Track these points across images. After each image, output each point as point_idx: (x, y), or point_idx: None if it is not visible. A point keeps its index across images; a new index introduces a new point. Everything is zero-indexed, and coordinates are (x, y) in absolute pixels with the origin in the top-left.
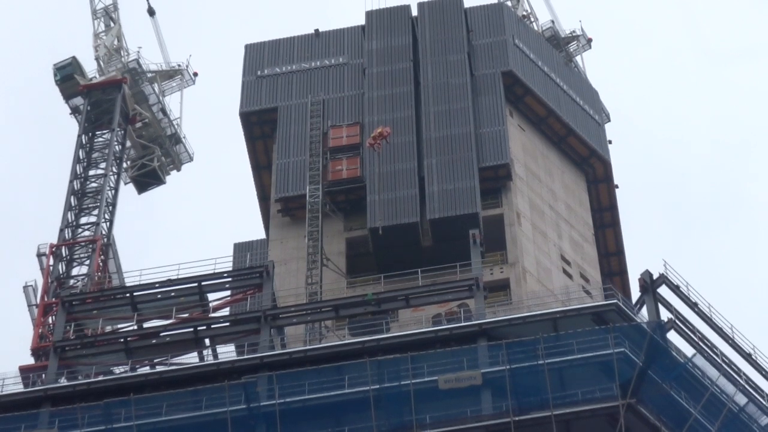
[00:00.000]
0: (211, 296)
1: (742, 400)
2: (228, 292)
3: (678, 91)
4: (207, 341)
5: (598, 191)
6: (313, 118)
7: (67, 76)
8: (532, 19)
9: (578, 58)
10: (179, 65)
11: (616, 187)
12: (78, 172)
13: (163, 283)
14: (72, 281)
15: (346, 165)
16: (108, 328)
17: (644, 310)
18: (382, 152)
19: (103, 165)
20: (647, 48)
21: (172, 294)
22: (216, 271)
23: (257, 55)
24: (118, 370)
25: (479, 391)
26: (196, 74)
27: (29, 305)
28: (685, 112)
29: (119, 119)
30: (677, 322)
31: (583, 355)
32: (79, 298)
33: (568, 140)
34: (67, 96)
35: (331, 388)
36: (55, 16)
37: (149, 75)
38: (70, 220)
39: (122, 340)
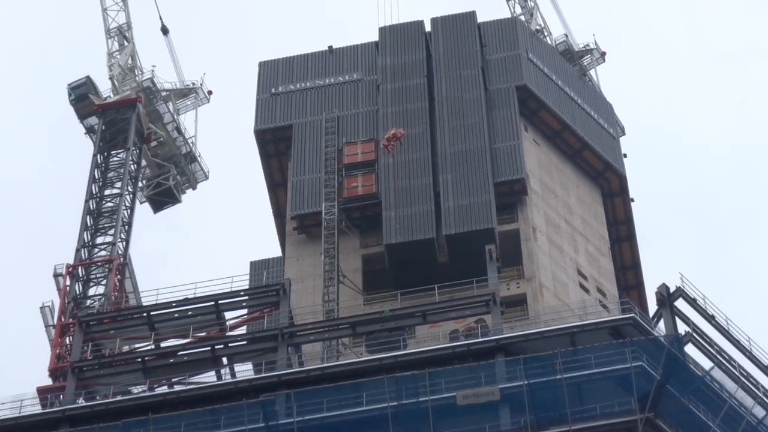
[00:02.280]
0: (228, 315)
1: (760, 412)
2: (245, 311)
3: (693, 102)
4: (224, 360)
5: (613, 205)
6: (327, 134)
7: (82, 95)
8: (546, 33)
9: (592, 72)
10: (193, 83)
11: (632, 200)
12: (94, 192)
13: (179, 302)
14: (89, 301)
15: (361, 181)
16: (125, 348)
17: (661, 324)
18: (398, 168)
19: (118, 184)
20: (661, 60)
21: (189, 313)
22: (233, 289)
23: (271, 73)
24: (135, 389)
25: (497, 407)
26: (210, 92)
27: (46, 326)
28: (701, 122)
29: (134, 138)
30: (695, 335)
31: (601, 370)
32: (96, 318)
33: (583, 154)
34: (82, 116)
35: (349, 406)
36: (69, 35)
37: (164, 94)
38: (86, 240)
39: (140, 359)
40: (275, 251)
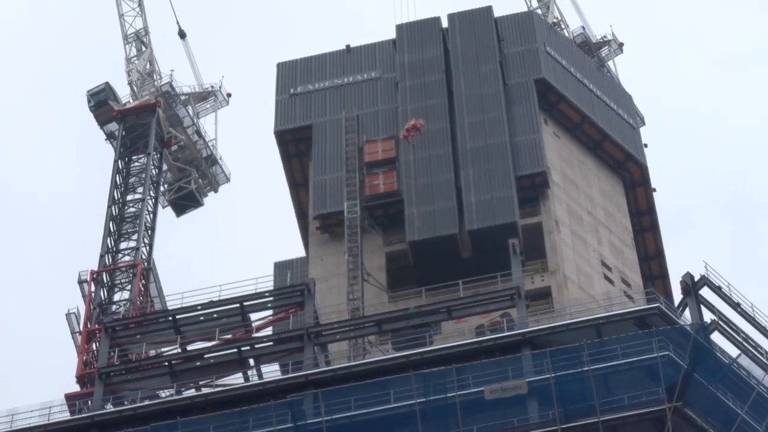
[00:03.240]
0: (253, 316)
1: None
2: (270, 312)
3: (711, 90)
4: (251, 361)
5: (635, 195)
6: (347, 133)
7: (101, 102)
8: (563, 26)
9: (610, 63)
10: (212, 86)
11: (654, 190)
12: (116, 198)
13: (205, 305)
14: (114, 307)
15: (382, 179)
16: (152, 352)
17: (687, 313)
18: (419, 165)
19: (140, 189)
20: (679, 48)
21: (215, 315)
22: (257, 290)
23: (290, 73)
24: (163, 393)
25: (525, 401)
26: (229, 95)
27: (72, 333)
28: (721, 110)
29: (155, 143)
30: (720, 323)
31: (628, 360)
32: (122, 323)
33: (603, 145)
34: (102, 122)
35: (377, 404)
36: (87, 42)
37: (183, 97)
38: (110, 246)
39: (166, 363)
40: (299, 251)
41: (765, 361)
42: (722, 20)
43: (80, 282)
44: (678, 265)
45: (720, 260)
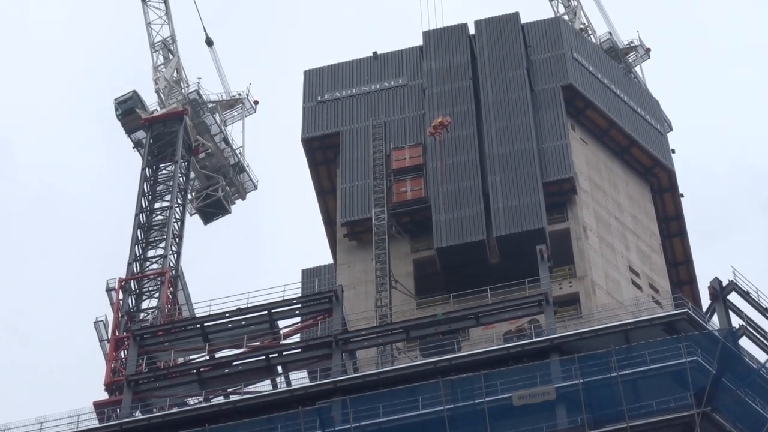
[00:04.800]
0: (281, 323)
1: None
2: (298, 319)
3: (739, 94)
4: (279, 368)
5: (663, 201)
6: (375, 140)
7: (128, 110)
8: (590, 32)
9: (637, 69)
10: (239, 94)
11: (681, 196)
12: (143, 206)
13: (233, 313)
14: (142, 314)
15: (410, 186)
16: (180, 360)
17: (715, 318)
18: (446, 171)
19: (168, 197)
20: (706, 54)
21: (243, 323)
22: (285, 298)
23: (317, 81)
24: (192, 401)
25: (554, 406)
26: (256, 102)
27: (101, 340)
28: (749, 117)
29: (182, 151)
30: (749, 328)
31: (656, 366)
32: (150, 331)
33: (631, 151)
34: (129, 130)
35: (406, 410)
36: (115, 51)
37: (210, 105)
38: (137, 254)
39: (195, 371)
40: (326, 258)
41: None
42: (750, 22)
43: (108, 290)
44: (706, 271)
45: (749, 265)
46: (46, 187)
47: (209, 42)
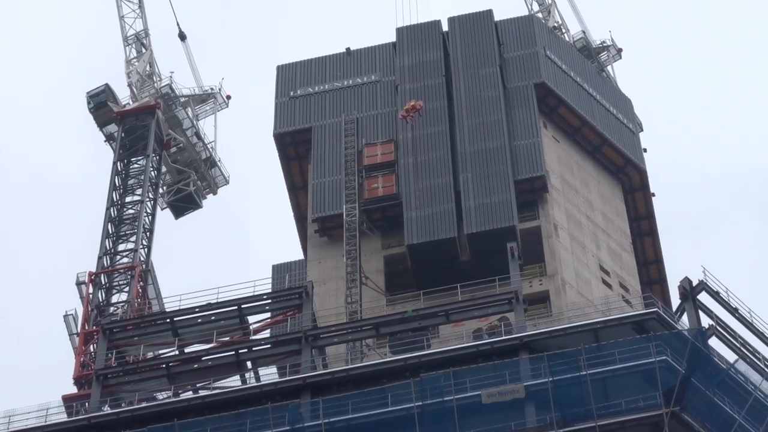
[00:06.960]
0: (251, 319)
1: None
2: (268, 314)
3: (708, 95)
4: (249, 364)
5: (634, 200)
6: (347, 136)
7: (101, 103)
8: (563, 31)
9: (609, 68)
10: (212, 89)
11: (653, 195)
12: (114, 199)
13: (203, 308)
14: (112, 309)
15: (381, 183)
16: (149, 355)
17: (685, 318)
18: (418, 168)
19: (139, 191)
20: (676, 54)
21: (213, 318)
22: (255, 293)
23: (289, 76)
24: (161, 396)
25: (523, 405)
26: (229, 97)
27: (70, 334)
28: (717, 115)
29: (154, 145)
30: (718, 328)
31: (626, 365)
32: (120, 325)
33: (603, 150)
34: (101, 123)
35: (375, 407)
36: (87, 44)
37: (182, 99)
38: (108, 248)
39: (164, 365)
40: (297, 254)
41: (762, 366)
42: (721, 21)
43: (78, 283)
44: (677, 271)
45: (719, 265)
46: (16, 178)
47: (182, 36)
